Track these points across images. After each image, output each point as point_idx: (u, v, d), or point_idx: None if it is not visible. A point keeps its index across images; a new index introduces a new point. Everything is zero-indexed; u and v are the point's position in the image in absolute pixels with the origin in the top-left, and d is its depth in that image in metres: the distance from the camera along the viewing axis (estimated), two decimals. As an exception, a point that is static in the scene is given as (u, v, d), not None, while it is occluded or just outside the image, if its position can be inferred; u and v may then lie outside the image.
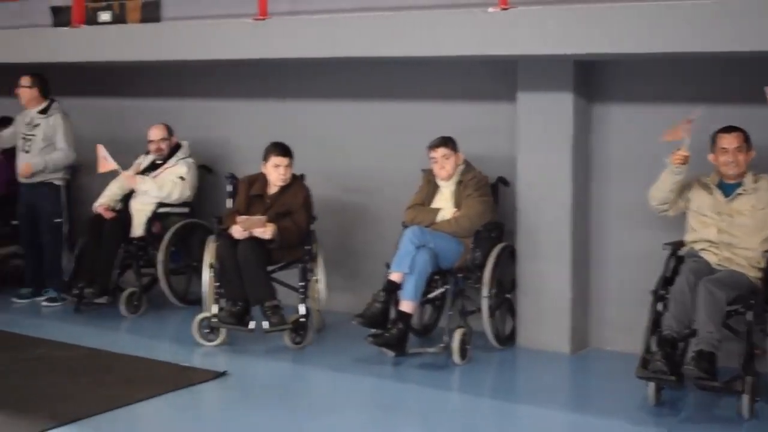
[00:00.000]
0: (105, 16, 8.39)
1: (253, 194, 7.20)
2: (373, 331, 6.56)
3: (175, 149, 8.21)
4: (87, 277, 7.97)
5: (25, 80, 8.26)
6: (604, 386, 6.35)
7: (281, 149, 7.14)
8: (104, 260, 7.89)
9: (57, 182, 8.36)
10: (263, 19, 7.18)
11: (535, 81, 6.82)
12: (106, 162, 7.95)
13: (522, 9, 6.24)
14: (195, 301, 7.89)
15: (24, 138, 8.33)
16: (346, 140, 8.00)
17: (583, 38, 6.01)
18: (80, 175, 8.80)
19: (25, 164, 8.24)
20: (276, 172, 7.12)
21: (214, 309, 7.05)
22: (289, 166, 7.14)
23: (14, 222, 8.74)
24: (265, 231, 6.86)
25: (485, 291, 6.69)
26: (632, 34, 5.82)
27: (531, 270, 6.96)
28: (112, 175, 8.10)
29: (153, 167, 8.18)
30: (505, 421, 5.80)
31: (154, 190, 8.01)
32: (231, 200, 7.51)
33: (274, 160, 7.12)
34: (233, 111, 8.54)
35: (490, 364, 6.73)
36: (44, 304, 8.34)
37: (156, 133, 8.16)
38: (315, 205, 7.27)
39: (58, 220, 8.36)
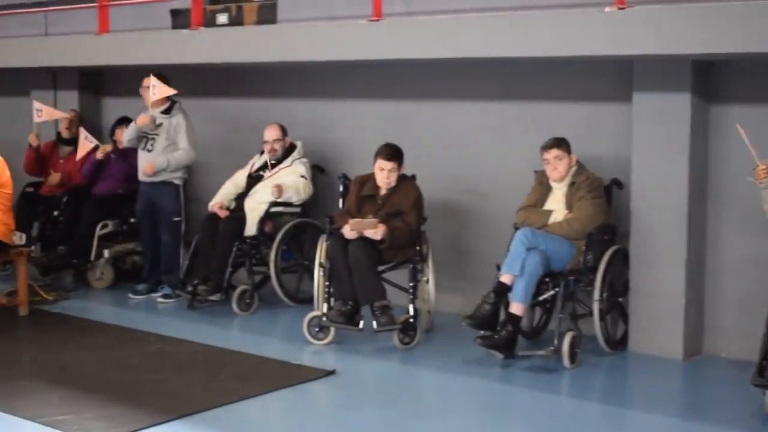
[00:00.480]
0: (222, 18, 8.53)
1: (364, 194, 7.23)
2: (482, 332, 6.52)
3: (289, 150, 8.30)
4: (201, 274, 8.12)
5: (147, 81, 8.44)
6: (718, 394, 6.19)
7: (387, 153, 7.15)
8: (218, 258, 8.02)
9: (176, 181, 8.54)
10: (377, 20, 7.20)
11: (652, 81, 6.69)
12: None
13: (639, 8, 6.13)
14: (305, 300, 7.97)
15: (146, 137, 8.52)
16: (458, 141, 7.97)
17: (702, 37, 5.87)
18: (196, 175, 8.96)
19: (149, 163, 8.43)
20: (380, 175, 7.15)
21: (324, 308, 7.10)
22: (394, 170, 7.13)
23: (132, 220, 8.96)
24: (376, 231, 6.88)
25: (597, 294, 6.59)
26: (753, 33, 5.66)
27: (644, 273, 6.82)
28: (227, 174, 8.22)
29: (266, 167, 8.28)
30: (615, 427, 5.69)
31: (295, 196, 8.10)
32: (342, 200, 7.55)
33: (380, 163, 7.14)
34: (346, 111, 8.59)
35: (601, 368, 6.63)
36: (159, 300, 8.52)
37: (270, 134, 8.26)
38: (426, 205, 7.26)
39: (177, 218, 8.53)
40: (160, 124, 8.46)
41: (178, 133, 8.46)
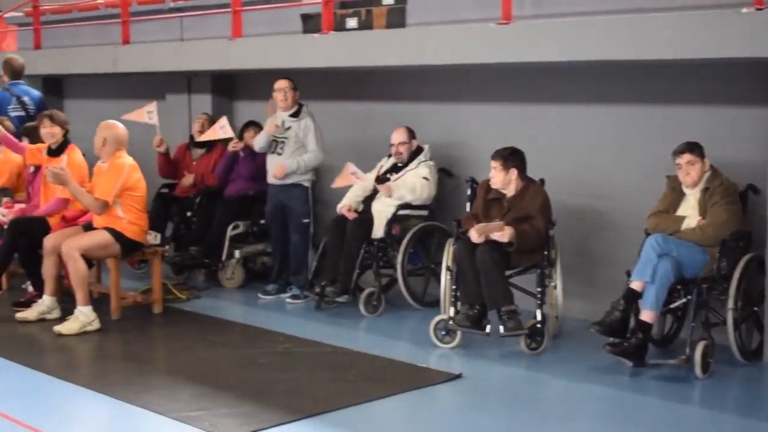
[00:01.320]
0: (352, 22, 8.60)
1: (491, 198, 7.21)
2: (612, 339, 6.43)
3: (416, 152, 8.32)
4: (329, 276, 8.20)
5: (279, 84, 8.56)
6: None
7: (496, 153, 7.14)
8: (346, 260, 8.09)
9: (306, 183, 8.65)
10: (507, 24, 7.17)
11: (790, 85, 6.49)
12: (353, 177, 8.16)
13: (778, 9, 5.95)
14: (432, 303, 7.98)
15: (276, 141, 8.66)
16: (587, 144, 7.88)
17: None
18: (324, 177, 9.07)
19: (279, 166, 8.56)
20: (491, 174, 7.15)
21: (451, 311, 7.09)
22: (503, 170, 7.09)
23: (262, 221, 9.11)
24: (503, 234, 6.84)
25: (731, 303, 6.42)
26: None
27: (781, 282, 6.63)
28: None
29: (394, 170, 8.32)
30: (749, 440, 5.55)
31: (409, 195, 8.13)
32: (470, 204, 7.54)
33: (492, 164, 7.12)
34: (474, 114, 8.57)
35: (734, 379, 6.45)
36: (288, 300, 8.64)
37: (397, 137, 8.30)
38: (554, 209, 7.19)
39: (306, 220, 8.65)
40: (289, 128, 8.59)
41: (306, 136, 8.57)
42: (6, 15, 12.84)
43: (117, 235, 7.80)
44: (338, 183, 8.35)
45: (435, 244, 8.30)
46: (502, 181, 7.12)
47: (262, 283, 9.01)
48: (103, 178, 7.84)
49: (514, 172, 7.10)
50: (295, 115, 8.61)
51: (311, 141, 8.56)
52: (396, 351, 7.06)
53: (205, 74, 10.34)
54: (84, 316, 7.56)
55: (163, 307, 8.26)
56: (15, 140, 8.81)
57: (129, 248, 7.94)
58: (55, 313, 7.87)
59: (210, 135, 9.21)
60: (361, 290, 8.14)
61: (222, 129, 9.02)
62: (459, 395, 6.21)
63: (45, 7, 11.79)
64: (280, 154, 8.62)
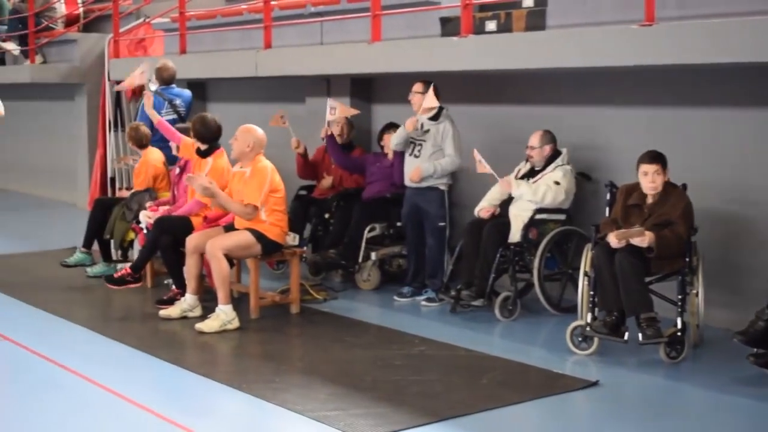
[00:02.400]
0: (491, 25, 8.56)
1: (630, 203, 7.07)
2: (756, 350, 6.23)
3: (554, 156, 8.24)
4: (464, 279, 8.19)
5: (417, 87, 8.61)
6: None
7: (649, 156, 6.96)
8: (482, 264, 8.07)
9: (442, 187, 8.66)
10: (650, 25, 7.03)
11: None
12: (479, 166, 8.16)
13: None
14: (569, 309, 7.89)
15: (414, 143, 8.69)
16: (731, 150, 7.66)
17: None
18: (460, 180, 9.06)
19: (415, 169, 8.59)
20: (645, 180, 6.96)
21: (588, 318, 7.00)
22: (659, 173, 6.92)
23: (399, 224, 9.16)
24: (643, 239, 6.71)
25: None
26: None
27: None
28: (492, 181, 8.25)
29: (532, 174, 8.26)
30: None
31: (528, 194, 8.07)
32: (609, 208, 7.41)
33: (643, 167, 6.96)
34: (614, 118, 8.44)
35: None
36: (423, 303, 8.65)
37: (533, 140, 8.24)
38: (696, 215, 7.02)
39: (442, 223, 8.65)
40: (428, 130, 8.61)
41: (444, 140, 8.58)
42: (153, 21, 13.23)
43: (258, 236, 7.95)
44: (480, 170, 8.30)
45: (572, 249, 8.20)
46: (660, 183, 6.97)
47: (397, 286, 9.05)
48: (249, 183, 7.97)
49: (664, 175, 6.97)
50: (435, 118, 8.62)
51: (449, 145, 8.56)
52: (531, 356, 7.01)
53: (344, 77, 10.45)
54: (224, 315, 7.73)
55: (301, 308, 8.37)
56: (170, 127, 9.10)
57: (269, 249, 8.08)
58: (197, 311, 8.07)
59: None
60: (496, 294, 8.09)
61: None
62: (595, 403, 6.12)
63: (191, 13, 12.10)
64: (417, 157, 8.65)
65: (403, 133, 8.65)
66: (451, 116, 8.66)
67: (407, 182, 8.76)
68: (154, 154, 9.75)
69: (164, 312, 8.11)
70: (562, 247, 8.26)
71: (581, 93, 8.69)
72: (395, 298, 8.85)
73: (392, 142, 8.88)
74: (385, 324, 8.01)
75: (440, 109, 8.62)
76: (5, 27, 15.93)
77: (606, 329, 6.83)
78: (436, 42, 8.79)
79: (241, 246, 7.95)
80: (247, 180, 8.00)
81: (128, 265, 9.08)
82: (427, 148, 8.60)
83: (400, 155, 8.95)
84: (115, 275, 8.98)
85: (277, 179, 8.06)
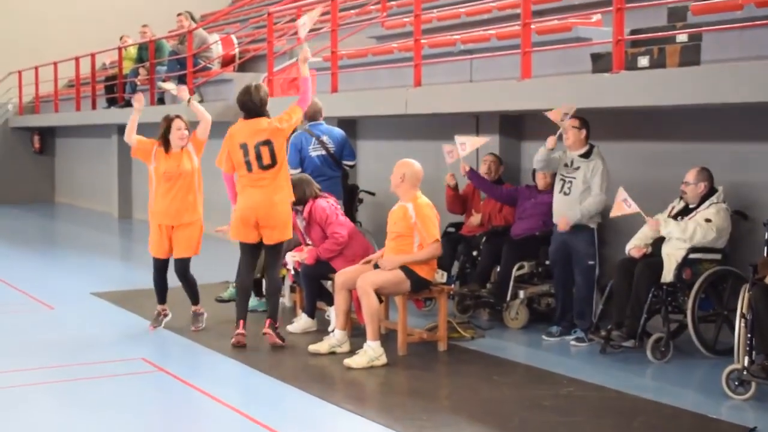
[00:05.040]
0: (644, 61, 8.42)
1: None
2: None
3: (709, 194, 8.03)
4: (615, 319, 8.04)
5: (574, 122, 8.53)
6: None
7: None
8: (633, 304, 7.91)
9: (591, 225, 8.54)
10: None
11: None
12: (624, 205, 8.00)
13: None
14: (724, 352, 7.64)
15: (563, 179, 8.62)
16: None
17: None
18: (608, 216, 8.92)
19: (562, 219, 8.51)
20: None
21: (746, 361, 6.76)
22: None
23: (547, 262, 9.06)
24: (804, 282, 6.46)
25: None
26: None
27: None
28: (643, 219, 8.08)
29: (686, 211, 8.06)
30: None
31: (677, 232, 7.88)
32: (767, 248, 7.17)
33: None
34: (773, 155, 8.19)
35: None
36: (572, 343, 8.52)
37: (688, 177, 8.05)
38: None
39: (591, 262, 8.53)
40: (578, 168, 8.52)
41: (593, 177, 8.48)
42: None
43: (409, 273, 7.99)
44: (614, 213, 8.16)
45: (728, 290, 7.96)
46: None
47: (546, 324, 8.95)
48: (423, 222, 8.03)
49: None
50: (586, 155, 8.53)
51: (596, 183, 8.45)
52: (684, 400, 6.82)
53: (494, 114, 10.44)
54: (372, 351, 7.77)
55: (448, 345, 8.35)
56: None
57: (419, 286, 8.11)
58: (345, 347, 8.14)
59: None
60: (648, 335, 7.91)
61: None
62: (754, 450, 5.91)
63: (342, 52, 12.31)
64: (567, 194, 8.57)
65: (544, 152, 8.59)
66: (602, 154, 8.54)
67: (555, 220, 8.67)
68: None
69: (313, 347, 8.20)
70: (718, 287, 8.02)
71: (737, 128, 8.46)
72: (543, 337, 8.75)
73: (534, 159, 8.81)
74: (533, 363, 7.92)
75: (591, 146, 8.52)
76: (165, 67, 16.51)
77: (765, 374, 6.60)
78: (588, 78, 8.70)
79: (391, 282, 8.00)
80: (415, 217, 8.03)
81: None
82: (577, 185, 8.51)
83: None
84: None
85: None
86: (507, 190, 9.68)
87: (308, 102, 8.81)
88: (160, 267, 9.08)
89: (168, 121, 8.91)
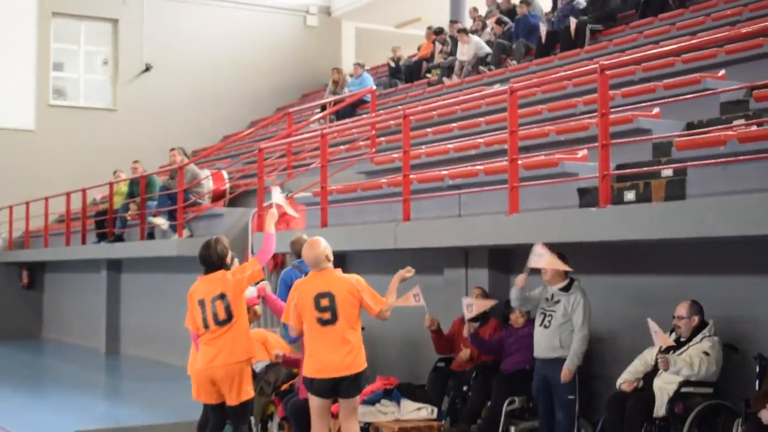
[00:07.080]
0: (630, 195, 8.52)
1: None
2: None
3: (700, 327, 8.02)
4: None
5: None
6: None
7: None
8: (627, 439, 7.82)
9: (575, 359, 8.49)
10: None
11: None
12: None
13: None
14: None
15: (544, 313, 8.62)
16: None
17: None
18: (598, 351, 8.87)
19: (565, 372, 8.43)
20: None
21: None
22: None
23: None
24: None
25: None
26: None
27: None
28: (632, 351, 8.04)
29: (678, 345, 8.03)
30: None
31: (686, 369, 7.82)
32: (759, 382, 7.13)
33: None
34: (760, 288, 8.19)
35: None
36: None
37: (678, 310, 8.06)
38: None
39: (571, 396, 8.45)
40: (558, 301, 8.54)
41: (574, 312, 8.50)
42: (296, 195, 13.62)
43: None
44: (400, 302, 8.17)
45: (721, 424, 7.86)
46: None
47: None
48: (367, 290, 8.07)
49: None
50: (566, 289, 8.56)
51: (578, 318, 8.48)
52: None
53: (482, 249, 10.48)
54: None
55: (439, 483, 8.20)
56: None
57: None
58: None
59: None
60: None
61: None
62: None
63: (332, 188, 12.42)
64: (547, 327, 8.60)
65: (516, 291, 8.67)
66: (583, 288, 8.56)
67: (537, 353, 8.63)
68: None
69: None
70: (710, 421, 7.93)
71: (724, 262, 8.49)
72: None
73: (511, 296, 8.87)
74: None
75: (571, 280, 8.56)
76: (155, 202, 16.58)
77: None
78: (575, 213, 8.78)
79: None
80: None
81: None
82: (557, 318, 8.54)
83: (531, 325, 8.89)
84: None
85: None
86: (497, 340, 9.60)
87: (269, 256, 8.69)
88: None
89: None
